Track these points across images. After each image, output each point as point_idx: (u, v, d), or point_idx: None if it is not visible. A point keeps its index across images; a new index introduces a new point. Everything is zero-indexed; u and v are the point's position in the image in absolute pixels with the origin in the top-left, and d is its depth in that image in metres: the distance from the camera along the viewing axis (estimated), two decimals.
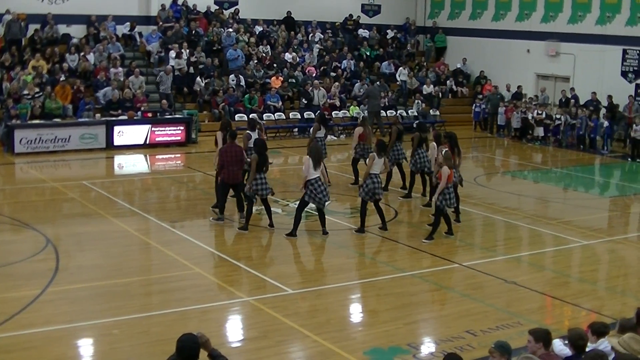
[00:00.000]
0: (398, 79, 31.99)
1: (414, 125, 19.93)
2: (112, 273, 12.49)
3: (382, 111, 28.89)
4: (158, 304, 11.24)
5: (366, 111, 27.64)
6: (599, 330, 7.80)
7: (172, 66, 27.65)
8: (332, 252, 14.26)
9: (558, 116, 27.95)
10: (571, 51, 29.75)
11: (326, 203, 14.79)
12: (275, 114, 27.91)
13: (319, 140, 18.40)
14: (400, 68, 32.33)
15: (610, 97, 27.52)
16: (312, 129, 19.72)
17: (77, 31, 28.45)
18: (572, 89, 29.28)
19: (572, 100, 28.73)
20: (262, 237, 14.94)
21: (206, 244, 14.35)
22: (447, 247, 14.53)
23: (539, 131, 28.16)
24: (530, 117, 28.25)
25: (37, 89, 24.19)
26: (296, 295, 11.70)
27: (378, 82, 30.32)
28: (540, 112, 28.22)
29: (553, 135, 28.10)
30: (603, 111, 27.62)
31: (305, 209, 15.12)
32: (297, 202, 15.06)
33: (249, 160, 15.43)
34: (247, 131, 17.27)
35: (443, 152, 15.29)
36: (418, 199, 18.18)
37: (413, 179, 18.22)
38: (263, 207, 15.38)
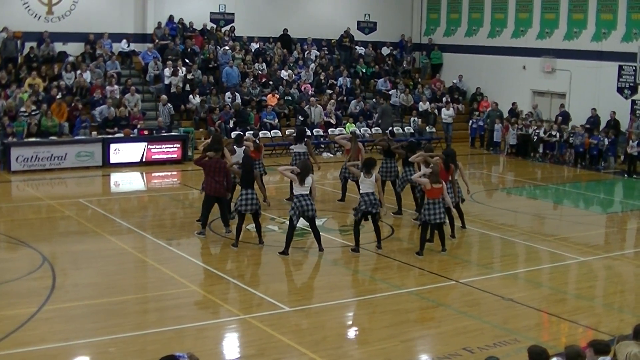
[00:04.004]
0: (396, 98, 32.05)
1: (387, 134, 20.05)
2: (108, 291, 12.49)
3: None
4: (154, 322, 11.25)
5: (380, 130, 27.78)
6: (600, 349, 7.77)
7: (167, 84, 27.79)
8: (328, 269, 14.28)
9: (554, 133, 28.05)
10: (567, 67, 29.88)
11: (313, 217, 14.67)
12: (272, 132, 28.00)
13: (300, 155, 18.52)
14: (394, 91, 32.40)
15: (613, 112, 27.57)
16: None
17: (73, 49, 28.58)
18: (562, 105, 29.41)
19: (560, 118, 28.82)
20: (258, 254, 14.95)
21: (202, 262, 14.37)
22: (444, 264, 14.55)
23: (540, 148, 28.25)
24: (541, 134, 28.17)
25: (33, 107, 24.26)
26: (292, 313, 11.70)
27: (389, 100, 30.32)
28: (537, 129, 28.29)
29: (550, 151, 28.20)
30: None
31: (301, 227, 15.17)
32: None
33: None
34: (233, 145, 17.41)
35: (431, 166, 15.38)
36: (408, 214, 18.23)
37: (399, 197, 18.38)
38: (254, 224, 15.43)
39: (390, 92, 32.36)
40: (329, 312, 11.87)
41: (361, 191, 14.90)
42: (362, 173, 14.95)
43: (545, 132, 28.19)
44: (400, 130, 29.96)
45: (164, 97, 27.05)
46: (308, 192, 14.45)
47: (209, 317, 11.56)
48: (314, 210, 14.46)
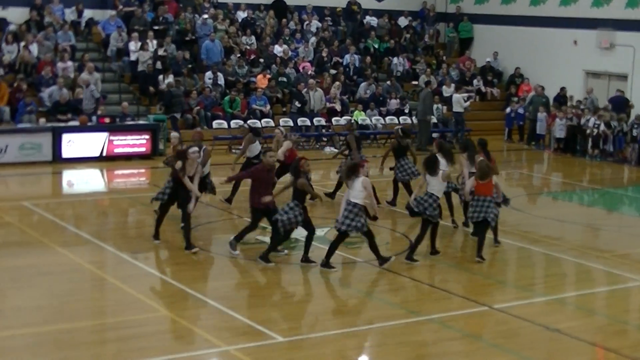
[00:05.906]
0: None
1: (398, 131, 20.26)
2: (57, 316, 12.46)
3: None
4: (114, 355, 11.21)
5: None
6: None
7: (133, 60, 27.73)
8: (330, 290, 14.26)
9: (615, 124, 27.86)
10: (629, 42, 29.87)
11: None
12: (262, 120, 27.97)
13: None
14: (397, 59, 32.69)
15: None
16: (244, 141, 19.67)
17: (15, 15, 28.56)
18: (619, 90, 29.34)
19: (609, 104, 28.75)
20: (245, 272, 14.94)
21: (176, 280, 14.33)
22: (473, 286, 14.53)
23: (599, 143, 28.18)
24: (602, 127, 27.90)
25: None
26: (287, 344, 11.68)
27: (424, 85, 30.47)
28: (597, 119, 27.97)
29: (607, 147, 28.10)
30: None
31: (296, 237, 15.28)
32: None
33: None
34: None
35: (478, 161, 15.86)
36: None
37: (397, 188, 19.50)
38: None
39: (393, 62, 32.50)
40: (331, 344, 11.84)
41: (429, 190, 15.30)
42: (425, 173, 15.41)
43: (606, 123, 27.88)
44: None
45: (85, 77, 26.56)
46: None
47: (182, 348, 11.52)
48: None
